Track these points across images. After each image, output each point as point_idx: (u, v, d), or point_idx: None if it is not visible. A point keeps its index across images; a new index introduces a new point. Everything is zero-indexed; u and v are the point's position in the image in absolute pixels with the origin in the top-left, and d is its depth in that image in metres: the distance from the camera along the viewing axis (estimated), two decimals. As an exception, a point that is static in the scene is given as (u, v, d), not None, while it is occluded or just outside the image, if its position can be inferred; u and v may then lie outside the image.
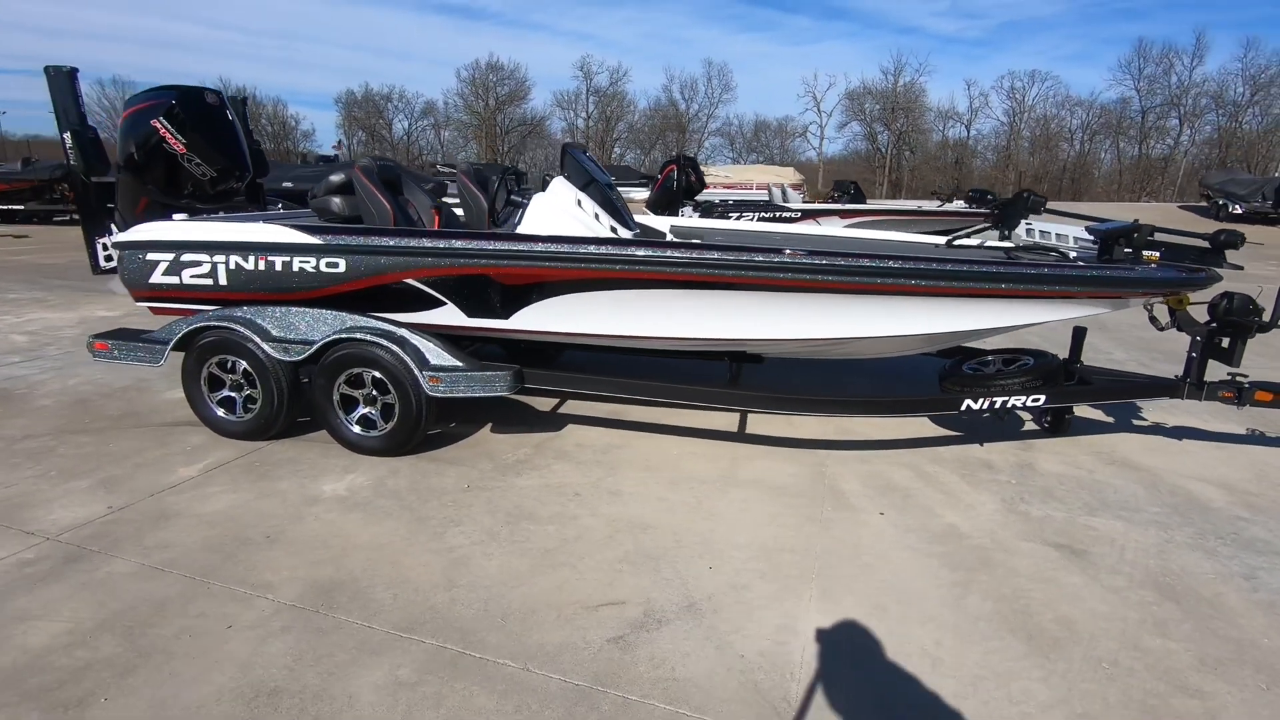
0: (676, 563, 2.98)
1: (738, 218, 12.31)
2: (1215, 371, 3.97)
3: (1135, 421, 4.92)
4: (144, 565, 2.83)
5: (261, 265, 3.91)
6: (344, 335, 3.76)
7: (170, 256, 4.04)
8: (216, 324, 3.92)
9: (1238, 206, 24.28)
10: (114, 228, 4.66)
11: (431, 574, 2.84)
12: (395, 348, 3.70)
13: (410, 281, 3.79)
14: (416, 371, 3.68)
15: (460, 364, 3.73)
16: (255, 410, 4.01)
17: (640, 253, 3.42)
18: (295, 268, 3.87)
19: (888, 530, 3.30)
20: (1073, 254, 4.27)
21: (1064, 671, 2.37)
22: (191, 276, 4.04)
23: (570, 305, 3.71)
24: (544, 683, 2.26)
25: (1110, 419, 4.95)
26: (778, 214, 12.06)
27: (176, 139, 4.71)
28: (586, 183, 3.95)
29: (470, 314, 3.85)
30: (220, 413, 4.07)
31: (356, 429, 3.88)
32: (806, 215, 12.29)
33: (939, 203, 13.50)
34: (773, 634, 2.53)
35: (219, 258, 3.97)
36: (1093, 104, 53.90)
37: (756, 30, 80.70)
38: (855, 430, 4.59)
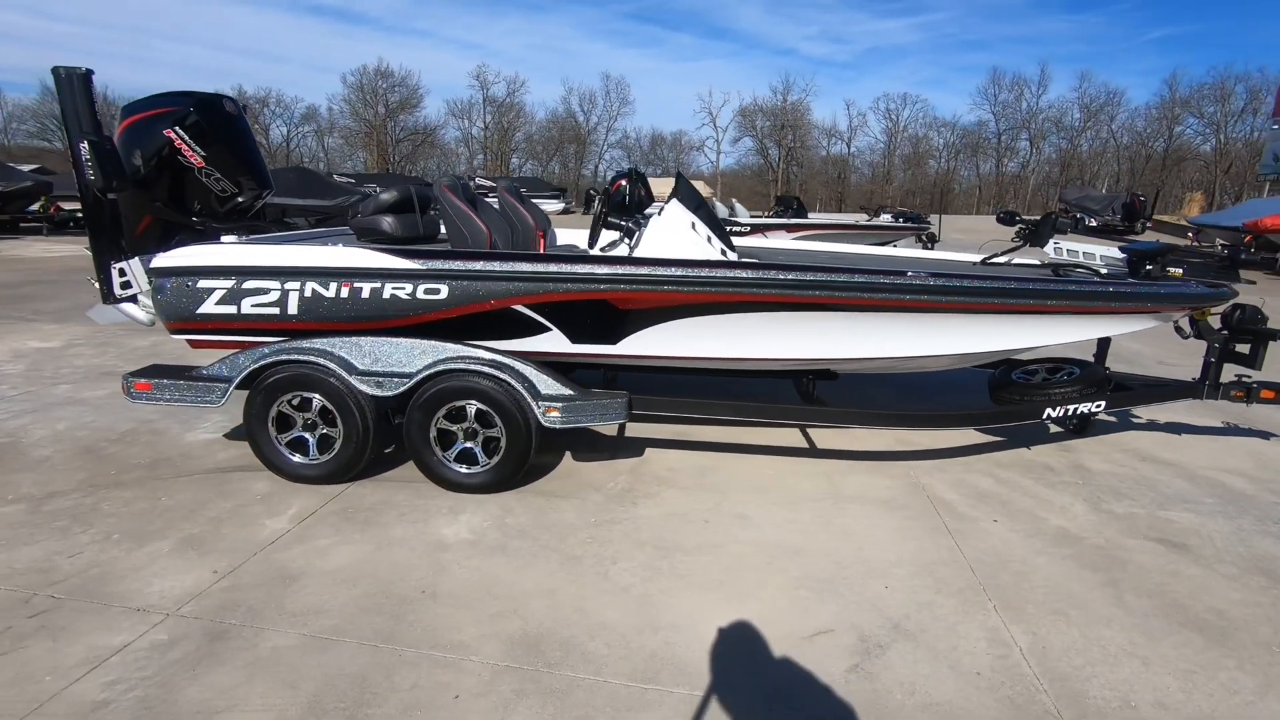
0: (851, 584, 3.00)
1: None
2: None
3: (1133, 420, 5.44)
4: (307, 635, 2.52)
5: (345, 292, 3.58)
6: (448, 366, 3.50)
7: (229, 284, 3.61)
8: (291, 357, 3.54)
9: (1093, 220, 27.35)
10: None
11: (626, 616, 2.71)
12: (507, 378, 3.49)
13: (518, 308, 3.59)
14: (531, 403, 3.49)
15: (571, 392, 3.57)
16: (334, 451, 3.65)
17: (782, 276, 3.43)
18: (386, 294, 3.57)
19: (1011, 538, 3.48)
20: (1103, 270, 4.69)
21: (1250, 658, 2.60)
22: (254, 306, 3.64)
23: (685, 329, 3.66)
24: (820, 721, 2.22)
25: (1113, 418, 5.44)
26: (730, 229, 12.36)
27: (194, 151, 4.25)
28: (697, 206, 3.91)
29: (576, 340, 3.71)
30: (296, 458, 3.67)
31: (461, 468, 3.62)
32: (755, 230, 12.66)
33: (867, 217, 14.30)
34: (988, 648, 2.61)
35: (292, 285, 3.59)
36: (955, 125, 59.21)
37: (642, 46, 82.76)
38: (912, 441, 4.79)
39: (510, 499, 3.66)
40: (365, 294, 3.58)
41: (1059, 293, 3.76)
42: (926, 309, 3.61)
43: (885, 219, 14.27)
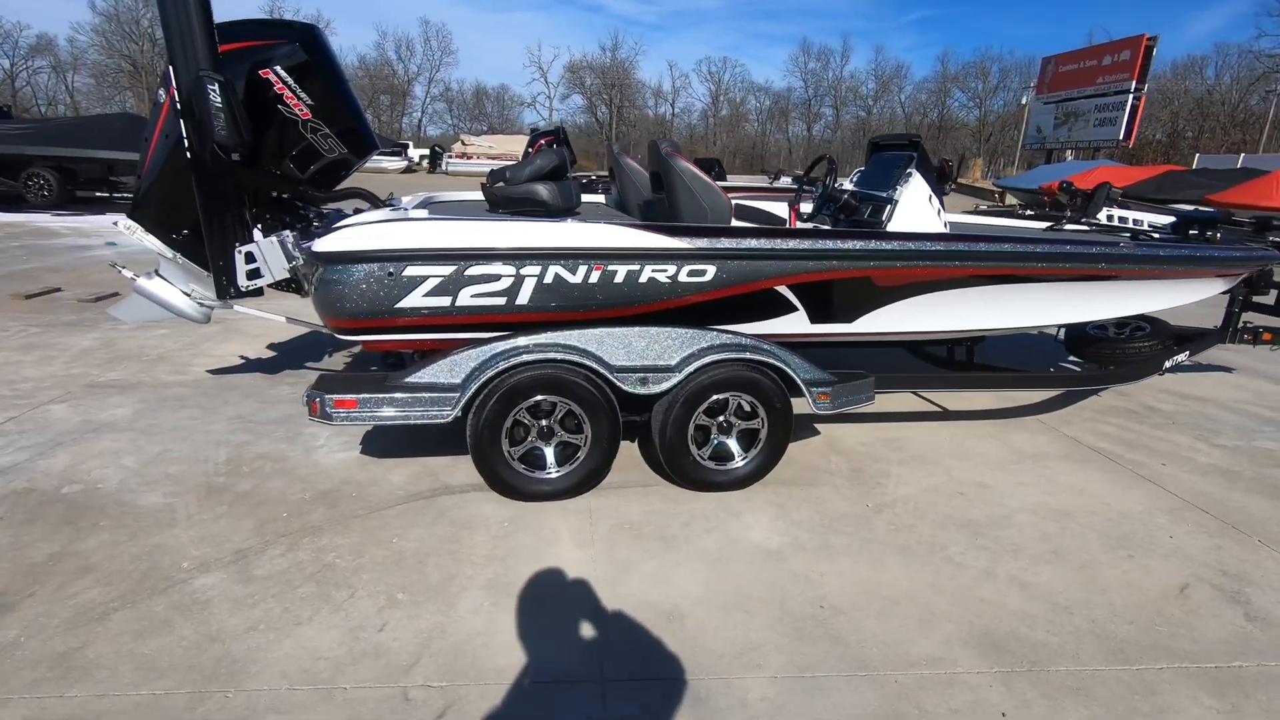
0: (1143, 538, 3.21)
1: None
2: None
3: (1132, 363, 6.29)
4: (775, 679, 2.20)
5: (595, 277, 3.06)
6: (718, 356, 3.15)
7: (449, 270, 2.93)
8: (541, 355, 2.97)
9: (909, 182, 30.65)
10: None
11: (1028, 602, 2.68)
12: (780, 364, 3.23)
13: (779, 288, 3.31)
14: (805, 390, 3.27)
15: (828, 375, 3.39)
16: (579, 461, 3.16)
17: (1042, 250, 3.48)
18: (644, 278, 3.10)
19: (1193, 478, 3.90)
20: (1156, 235, 5.32)
21: None
22: (476, 295, 2.99)
23: (920, 305, 3.61)
24: (1291, 671, 2.38)
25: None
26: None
27: (300, 99, 3.41)
28: (928, 176, 3.80)
29: (816, 320, 3.51)
30: (551, 473, 3.12)
31: (737, 465, 3.31)
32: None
33: (770, 180, 14.86)
34: (1307, 581, 2.95)
35: (531, 269, 2.99)
36: (770, 90, 62.93)
37: (443, -10, 77.70)
38: (1009, 399, 5.14)
39: (765, 493, 3.42)
40: (619, 278, 3.09)
41: (1215, 259, 4.20)
42: (1128, 277, 3.88)
43: (786, 181, 14.97)
